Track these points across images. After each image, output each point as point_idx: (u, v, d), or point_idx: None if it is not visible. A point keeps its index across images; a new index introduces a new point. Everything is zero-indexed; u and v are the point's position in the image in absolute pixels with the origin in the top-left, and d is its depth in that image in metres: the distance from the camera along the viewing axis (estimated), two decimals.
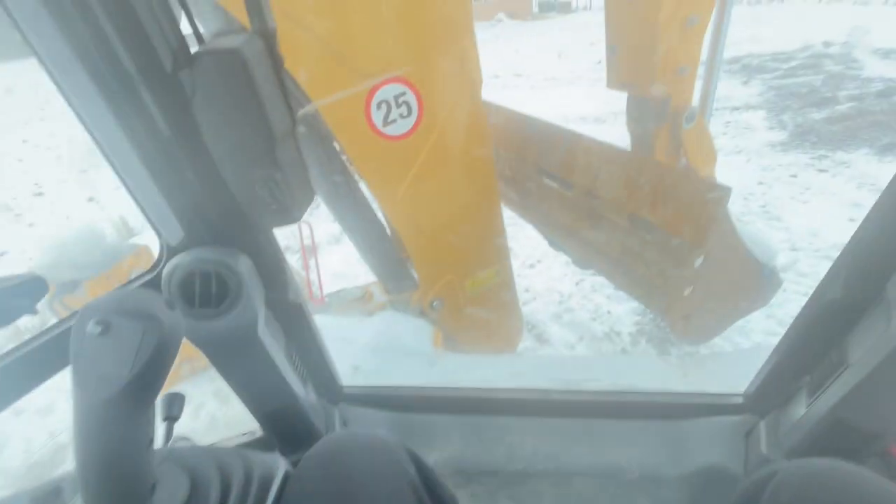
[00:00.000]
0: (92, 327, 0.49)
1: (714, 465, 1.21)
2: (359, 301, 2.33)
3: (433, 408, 1.40)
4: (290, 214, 0.85)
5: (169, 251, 0.94)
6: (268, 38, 0.75)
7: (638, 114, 2.65)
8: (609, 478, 1.27)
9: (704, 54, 2.58)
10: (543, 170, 2.23)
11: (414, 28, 1.69)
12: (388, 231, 2.32)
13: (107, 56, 0.71)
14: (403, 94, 1.77)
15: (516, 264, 5.49)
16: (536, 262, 5.46)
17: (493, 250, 2.31)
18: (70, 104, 0.77)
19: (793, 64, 13.35)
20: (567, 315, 4.56)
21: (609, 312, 4.52)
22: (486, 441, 1.31)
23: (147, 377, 0.49)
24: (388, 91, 1.74)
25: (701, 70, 2.64)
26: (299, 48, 1.58)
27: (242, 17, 0.78)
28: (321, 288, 2.31)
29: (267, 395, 1.06)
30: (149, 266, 0.94)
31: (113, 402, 0.47)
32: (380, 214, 2.30)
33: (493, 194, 2.11)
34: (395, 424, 1.39)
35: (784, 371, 1.12)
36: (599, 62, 17.41)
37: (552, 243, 2.83)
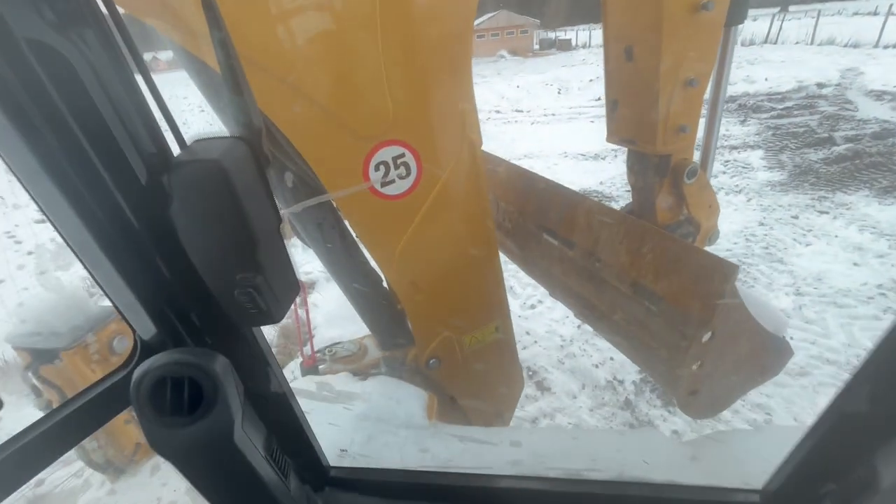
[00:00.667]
0: None
1: None
2: (352, 357, 2.25)
3: (427, 495, 1.30)
4: (270, 317, 0.80)
5: (142, 347, 0.88)
6: (253, 142, 0.71)
7: (639, 168, 2.63)
8: None
9: (704, 107, 2.59)
10: (544, 226, 2.19)
11: (414, 91, 1.68)
12: (384, 286, 2.26)
13: (80, 159, 0.67)
14: (402, 155, 1.75)
15: (515, 305, 5.43)
16: (537, 303, 5.39)
17: (493, 305, 2.24)
18: (34, 197, 0.72)
19: (788, 104, 13.64)
20: (569, 361, 4.44)
21: (612, 359, 4.41)
22: None
23: None
24: (387, 153, 1.72)
25: (701, 122, 2.64)
26: (294, 110, 1.57)
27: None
28: (312, 350, 2.23)
29: (244, 502, 0.97)
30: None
31: None
32: (375, 269, 2.25)
33: (492, 250, 2.06)
34: None
35: (806, 474, 1.03)
36: (599, 98, 17.86)
37: (554, 294, 2.77)
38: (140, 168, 0.70)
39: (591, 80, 20.37)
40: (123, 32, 0.65)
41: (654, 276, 1.58)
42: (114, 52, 0.64)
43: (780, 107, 13.48)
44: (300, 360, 2.25)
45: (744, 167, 9.29)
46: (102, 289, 0.83)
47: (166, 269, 0.80)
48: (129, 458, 2.13)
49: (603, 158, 10.62)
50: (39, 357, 1.49)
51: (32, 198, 0.72)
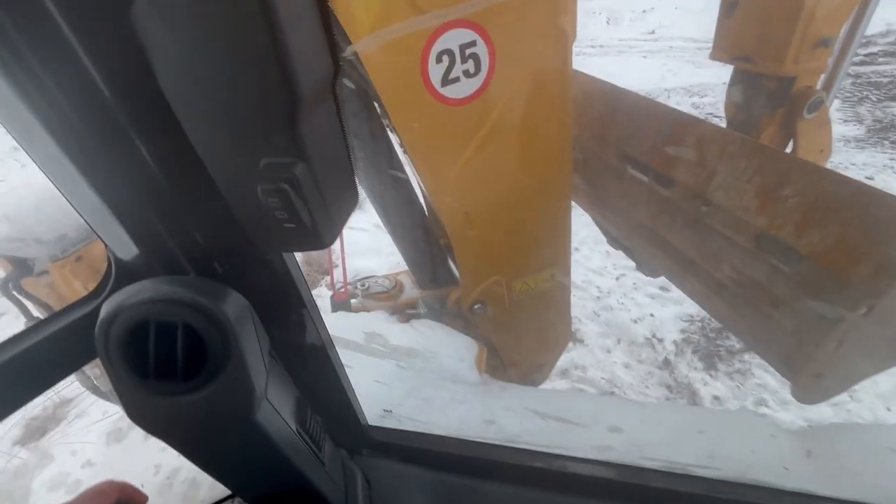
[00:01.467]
0: None
1: None
2: (387, 294, 1.99)
3: (482, 471, 1.06)
4: (315, 236, 0.47)
5: (118, 273, 0.59)
6: None
7: (746, 95, 2.13)
8: None
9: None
10: (630, 157, 1.77)
11: None
12: (429, 216, 1.93)
13: None
14: (473, 43, 1.33)
15: None
16: (574, 250, 5.03)
17: (555, 249, 1.91)
18: None
19: (873, 50, 12.01)
20: (605, 314, 4.17)
21: (652, 315, 4.12)
22: None
23: None
24: (454, 38, 1.31)
25: None
26: None
27: None
28: (345, 280, 1.97)
29: (264, 482, 0.72)
30: None
31: None
32: (420, 193, 1.91)
33: (566, 183, 1.68)
34: (431, 488, 1.05)
35: None
36: (653, 32, 16.15)
37: (615, 242, 2.40)
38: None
39: (644, 11, 18.28)
40: None
41: (798, 228, 1.21)
42: None
43: (863, 52, 11.88)
44: (329, 293, 1.99)
45: None
46: (54, 182, 0.52)
47: (149, 152, 0.48)
48: None
49: (655, 98, 9.65)
50: (22, 268, 1.25)
51: None
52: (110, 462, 2.65)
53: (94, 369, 1.68)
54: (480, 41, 1.34)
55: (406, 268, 2.18)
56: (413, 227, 1.90)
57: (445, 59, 1.34)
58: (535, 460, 1.06)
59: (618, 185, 1.88)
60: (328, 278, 4.45)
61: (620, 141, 1.83)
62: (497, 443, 1.09)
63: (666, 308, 4.18)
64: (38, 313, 1.35)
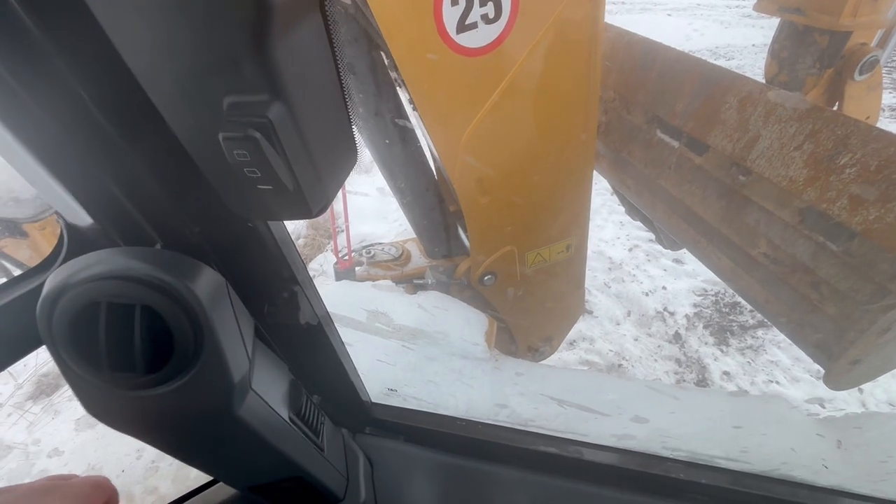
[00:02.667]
0: None
1: None
2: (394, 262, 1.90)
3: (491, 454, 1.00)
4: (299, 203, 0.37)
5: (72, 241, 0.49)
6: None
7: (793, 52, 1.93)
8: None
9: None
10: (660, 119, 1.60)
11: None
12: (439, 180, 1.80)
13: None
14: None
15: None
16: None
17: (573, 219, 1.79)
18: None
19: None
20: (616, 285, 4.07)
21: (664, 288, 4.01)
22: None
23: None
24: None
25: None
26: None
27: None
28: (349, 246, 1.87)
29: (254, 473, 0.65)
30: None
31: None
32: (430, 157, 1.77)
33: (590, 147, 1.54)
34: (437, 470, 1.00)
35: None
36: None
37: (634, 212, 2.27)
38: None
39: None
40: None
41: (852, 202, 1.07)
42: None
43: None
44: (332, 259, 1.90)
45: None
46: None
47: (98, 104, 0.37)
48: None
49: None
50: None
51: None
52: (82, 448, 2.59)
53: None
54: None
55: (413, 235, 2.08)
56: (423, 191, 1.78)
57: (462, 0, 1.18)
58: (548, 445, 0.99)
59: (644, 150, 1.73)
60: (332, 243, 4.36)
61: (650, 101, 1.66)
62: (507, 425, 1.02)
63: (679, 281, 4.08)
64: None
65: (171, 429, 0.48)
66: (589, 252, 4.64)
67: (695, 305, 3.85)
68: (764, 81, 2.19)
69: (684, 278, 4.08)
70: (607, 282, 4.13)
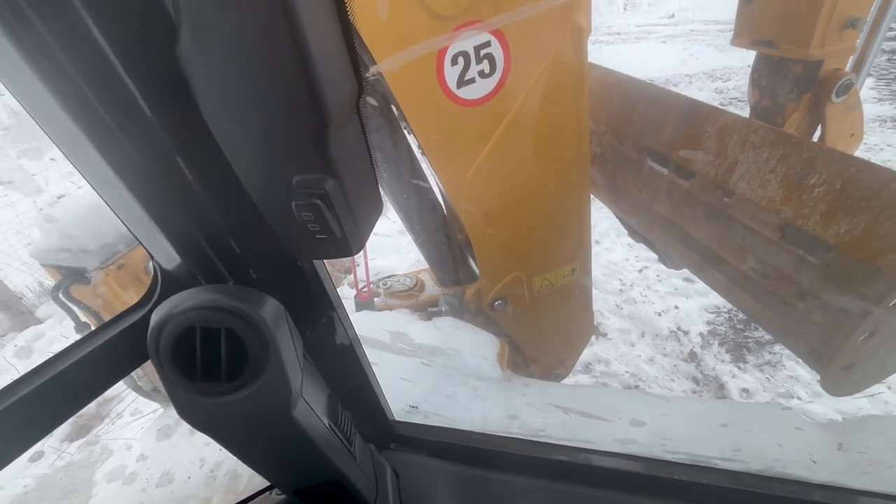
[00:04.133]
0: None
1: None
2: (409, 293, 2.02)
3: (506, 465, 1.09)
4: (345, 245, 0.51)
5: (164, 281, 0.63)
6: None
7: (770, 80, 2.08)
8: None
9: None
10: (650, 149, 1.75)
11: None
12: (449, 215, 1.95)
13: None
14: (487, 44, 1.35)
15: None
16: (594, 243, 4.97)
17: (575, 245, 1.91)
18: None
19: None
20: (628, 307, 4.12)
21: (677, 307, 4.05)
22: None
23: None
24: (469, 40, 1.33)
25: None
26: None
27: None
28: (368, 281, 2.01)
29: (300, 475, 0.76)
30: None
31: None
32: (438, 194, 1.93)
33: (584, 178, 1.68)
34: (457, 481, 1.09)
35: None
36: (672, 16, 15.67)
37: (636, 235, 2.38)
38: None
39: None
40: None
41: (824, 218, 1.18)
42: None
43: None
44: (352, 292, 2.04)
45: None
46: (99, 193, 0.57)
47: (191, 171, 0.51)
48: None
49: (675, 85, 9.41)
50: (70, 276, 1.33)
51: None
52: (161, 455, 2.77)
53: (137, 370, 1.78)
54: (495, 41, 1.35)
55: (426, 265, 2.22)
56: (435, 231, 1.94)
57: (461, 60, 1.36)
58: (559, 454, 1.07)
59: (637, 177, 1.86)
60: (350, 276, 4.53)
61: (639, 133, 1.81)
62: (520, 437, 1.11)
63: (691, 300, 4.11)
64: (84, 318, 1.45)
65: (241, 428, 0.60)
66: (599, 275, 4.71)
67: (708, 323, 3.86)
68: (749, 106, 2.33)
69: (696, 297, 4.11)
70: (619, 304, 4.18)
